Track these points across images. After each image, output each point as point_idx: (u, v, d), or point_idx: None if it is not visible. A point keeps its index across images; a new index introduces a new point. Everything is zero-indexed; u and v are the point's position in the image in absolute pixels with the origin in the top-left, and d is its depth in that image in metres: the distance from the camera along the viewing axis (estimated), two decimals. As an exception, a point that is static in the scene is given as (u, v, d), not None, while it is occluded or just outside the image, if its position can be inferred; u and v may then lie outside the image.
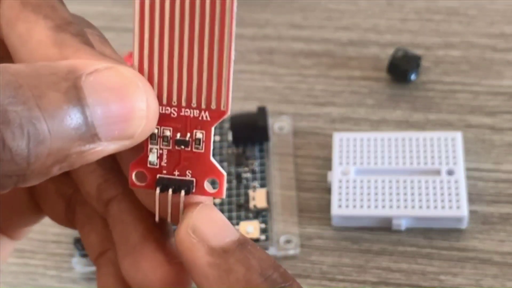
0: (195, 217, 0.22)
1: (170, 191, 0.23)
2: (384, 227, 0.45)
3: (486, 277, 0.42)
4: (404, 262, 0.44)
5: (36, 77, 0.20)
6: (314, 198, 0.47)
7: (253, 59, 0.55)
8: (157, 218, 0.23)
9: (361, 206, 0.45)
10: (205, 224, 0.22)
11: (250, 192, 0.46)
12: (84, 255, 0.44)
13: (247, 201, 0.46)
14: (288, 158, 0.49)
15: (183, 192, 0.23)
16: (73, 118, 0.19)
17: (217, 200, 0.46)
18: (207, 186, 0.23)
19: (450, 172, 0.45)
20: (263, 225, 0.45)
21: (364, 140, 0.47)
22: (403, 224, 0.44)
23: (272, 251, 0.44)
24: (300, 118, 0.51)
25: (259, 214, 0.45)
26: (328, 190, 0.46)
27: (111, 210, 0.24)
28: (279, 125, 0.50)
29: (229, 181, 0.47)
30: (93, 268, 0.44)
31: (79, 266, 0.44)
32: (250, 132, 0.48)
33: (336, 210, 0.45)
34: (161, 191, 0.23)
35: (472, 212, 0.45)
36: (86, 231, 0.26)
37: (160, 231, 0.24)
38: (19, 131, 0.19)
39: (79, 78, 0.20)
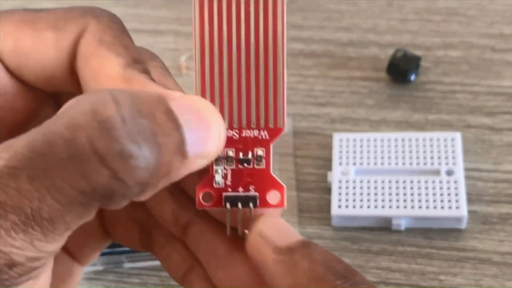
0: (261, 224, 0.24)
1: (240, 205, 0.25)
2: (384, 227, 0.45)
3: (486, 277, 0.43)
4: (404, 262, 0.44)
5: (144, 99, 0.21)
6: (314, 198, 0.47)
7: (253, 59, 0.55)
8: (228, 232, 0.25)
9: (361, 206, 0.45)
10: (271, 229, 0.24)
11: (250, 192, 0.46)
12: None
13: (247, 201, 0.46)
14: (288, 158, 0.49)
15: (251, 205, 0.25)
16: (175, 135, 0.21)
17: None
18: (269, 198, 0.25)
19: (449, 172, 0.45)
20: (263, 225, 0.45)
21: (364, 141, 0.47)
22: (402, 224, 0.44)
23: (272, 251, 0.44)
24: (300, 118, 0.51)
25: (259, 214, 0.46)
26: (328, 190, 0.46)
27: (191, 233, 0.26)
28: (279, 126, 0.50)
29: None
30: (93, 268, 0.44)
31: (80, 266, 0.45)
32: (250, 132, 0.48)
33: (336, 210, 0.45)
34: (231, 206, 0.25)
35: (471, 212, 0.45)
36: (166, 252, 0.27)
37: (242, 240, 0.25)
38: (150, 141, 0.21)
39: (167, 103, 0.22)
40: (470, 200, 0.45)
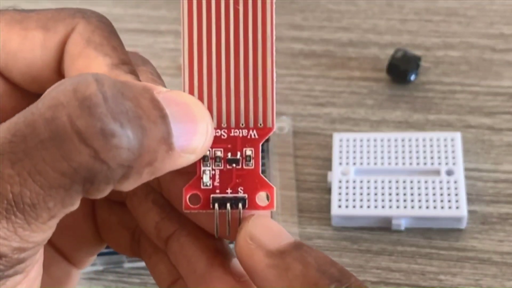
0: (250, 225, 0.23)
1: (229, 206, 0.24)
2: (383, 227, 0.45)
3: (485, 277, 0.43)
4: (404, 262, 0.44)
5: (128, 85, 0.21)
6: (314, 198, 0.47)
7: (253, 59, 0.55)
8: (216, 235, 0.24)
9: (361, 206, 0.45)
10: (261, 231, 0.23)
11: (250, 192, 0.46)
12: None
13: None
14: (288, 158, 0.49)
15: (240, 206, 0.24)
16: (160, 123, 0.21)
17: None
18: (258, 200, 0.24)
19: (449, 172, 0.45)
20: (263, 225, 0.45)
21: (364, 141, 0.47)
22: (402, 224, 0.44)
23: (272, 251, 0.44)
24: (300, 118, 0.51)
25: (259, 214, 0.46)
26: (328, 190, 0.46)
27: (171, 247, 0.26)
28: (279, 126, 0.50)
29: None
30: (93, 268, 0.44)
31: (80, 266, 0.45)
32: (250, 132, 0.48)
33: (336, 210, 0.45)
34: (219, 208, 0.24)
35: (471, 212, 0.45)
36: (154, 261, 0.27)
37: (222, 255, 0.25)
38: (134, 122, 0.20)
39: (152, 93, 0.21)
40: (470, 200, 0.45)
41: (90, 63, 0.23)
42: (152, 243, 0.27)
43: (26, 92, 0.25)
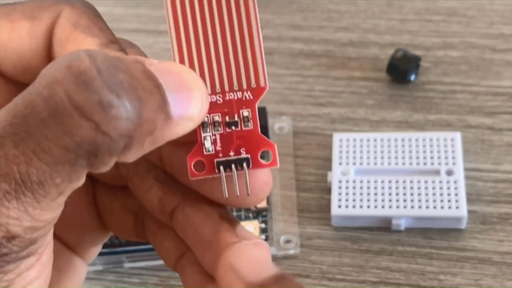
0: (231, 256, 0.24)
1: (233, 167, 0.24)
2: (383, 227, 0.45)
3: (485, 277, 0.43)
4: (404, 262, 0.44)
5: (119, 58, 0.22)
6: (314, 198, 0.47)
7: (253, 59, 0.55)
8: (225, 194, 0.25)
9: (361, 206, 0.45)
10: (242, 263, 0.23)
11: (250, 192, 0.46)
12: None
13: (247, 201, 0.46)
14: (288, 158, 0.49)
15: (245, 165, 0.24)
16: (156, 93, 0.21)
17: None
18: (261, 158, 0.25)
19: (449, 172, 0.45)
20: (263, 225, 0.45)
21: (364, 141, 0.47)
22: (402, 224, 0.44)
23: (272, 251, 0.44)
24: (300, 118, 0.51)
25: (259, 214, 0.46)
26: (328, 190, 0.46)
27: (176, 218, 0.26)
28: (279, 126, 0.50)
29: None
30: (93, 268, 0.44)
31: (80, 266, 0.44)
32: (250, 132, 0.48)
33: (336, 210, 0.45)
34: (224, 171, 0.25)
35: (471, 212, 0.45)
36: (159, 239, 0.27)
37: (227, 221, 0.25)
38: (130, 93, 0.21)
39: (144, 64, 0.22)
40: (470, 200, 0.45)
41: (79, 45, 0.24)
42: (156, 221, 0.27)
43: (19, 84, 0.25)
